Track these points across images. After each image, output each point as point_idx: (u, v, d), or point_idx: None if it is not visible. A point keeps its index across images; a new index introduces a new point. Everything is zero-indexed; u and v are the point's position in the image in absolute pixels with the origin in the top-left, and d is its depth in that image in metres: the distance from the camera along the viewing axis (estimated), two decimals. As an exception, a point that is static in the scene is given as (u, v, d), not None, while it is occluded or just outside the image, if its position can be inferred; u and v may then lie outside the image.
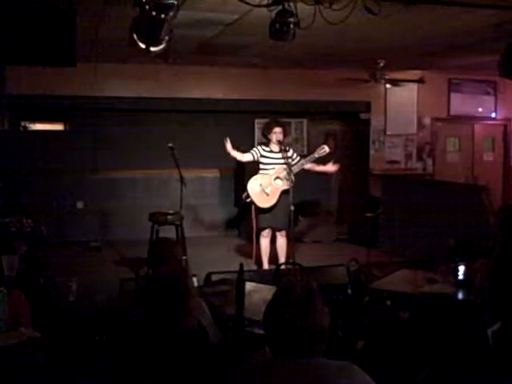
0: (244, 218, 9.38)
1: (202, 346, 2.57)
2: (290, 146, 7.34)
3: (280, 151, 7.00)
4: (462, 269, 4.40)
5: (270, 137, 7.04)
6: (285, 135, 7.14)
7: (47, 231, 6.66)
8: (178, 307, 2.54)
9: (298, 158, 7.11)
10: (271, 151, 7.07)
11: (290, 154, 7.00)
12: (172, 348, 2.45)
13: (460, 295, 4.24)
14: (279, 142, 6.97)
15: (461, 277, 4.39)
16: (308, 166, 7.03)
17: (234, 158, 7.28)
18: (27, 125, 9.54)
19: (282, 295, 2.22)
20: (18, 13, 4.51)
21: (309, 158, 7.06)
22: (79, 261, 7.94)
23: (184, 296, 2.58)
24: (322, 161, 7.19)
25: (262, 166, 7.09)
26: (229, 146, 7.03)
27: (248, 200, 7.06)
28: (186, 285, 2.67)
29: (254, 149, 7.19)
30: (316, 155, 6.99)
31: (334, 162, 7.16)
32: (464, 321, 3.55)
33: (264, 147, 7.14)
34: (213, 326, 2.99)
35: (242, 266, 4.08)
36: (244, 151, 7.16)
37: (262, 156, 7.07)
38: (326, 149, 6.96)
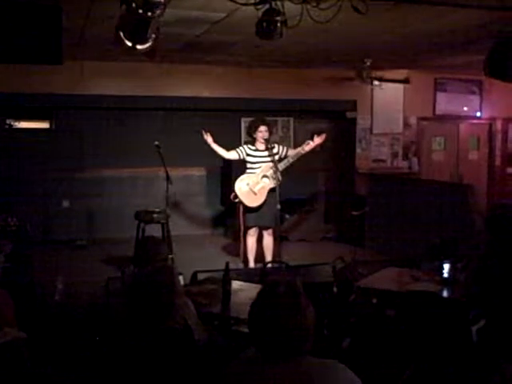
0: (230, 217, 9.39)
1: (188, 344, 2.57)
2: (276, 143, 7.35)
3: (266, 149, 7.02)
4: (447, 267, 4.43)
5: (255, 135, 7.04)
6: (270, 133, 7.15)
7: (33, 230, 6.62)
8: (163, 305, 2.54)
9: (285, 149, 7.12)
10: (257, 150, 7.08)
11: (275, 150, 7.01)
12: (157, 346, 2.45)
13: (445, 293, 4.26)
14: (265, 141, 6.99)
15: (446, 275, 4.42)
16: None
17: (221, 157, 7.28)
18: (12, 123, 9.47)
19: (266, 294, 2.22)
20: (2, 10, 4.48)
21: (295, 154, 7.07)
22: (65, 259, 7.89)
23: (169, 294, 2.57)
24: (307, 157, 7.20)
25: (248, 166, 7.09)
26: (209, 139, 7.02)
27: (236, 200, 7.06)
28: (172, 283, 2.66)
29: (240, 147, 7.19)
30: (302, 151, 7.02)
31: (318, 134, 7.12)
32: (449, 318, 3.57)
33: (250, 146, 7.14)
34: (198, 326, 2.99)
35: (227, 264, 4.09)
36: (229, 150, 7.16)
37: (248, 155, 7.08)
38: (311, 143, 7.02)
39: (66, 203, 9.51)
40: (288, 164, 7.01)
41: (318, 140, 7.04)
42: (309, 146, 6.99)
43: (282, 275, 4.20)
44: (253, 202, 7.01)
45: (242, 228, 7.25)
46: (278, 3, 4.47)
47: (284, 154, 7.05)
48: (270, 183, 6.98)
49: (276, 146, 7.12)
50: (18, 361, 2.99)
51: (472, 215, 7.07)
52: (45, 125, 9.73)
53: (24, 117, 9.54)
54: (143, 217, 7.43)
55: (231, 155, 7.13)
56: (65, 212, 9.46)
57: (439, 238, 5.32)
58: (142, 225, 7.39)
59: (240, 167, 7.33)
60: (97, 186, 9.60)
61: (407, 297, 3.95)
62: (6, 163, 8.72)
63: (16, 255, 5.88)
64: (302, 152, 7.00)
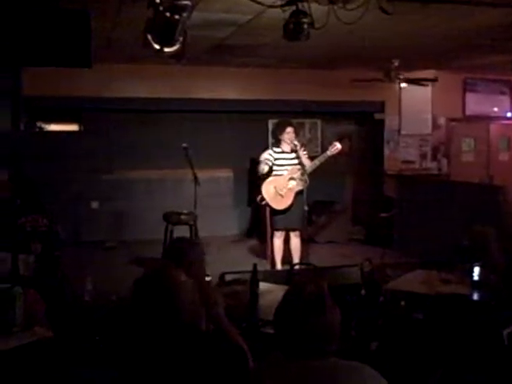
0: (258, 218, 9.39)
1: (213, 348, 2.55)
2: (304, 145, 7.30)
3: (292, 151, 6.99)
4: (477, 270, 4.37)
5: (282, 137, 7.01)
6: (296, 134, 7.13)
7: (63, 231, 6.69)
8: (167, 305, 2.48)
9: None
10: (283, 152, 7.04)
11: (301, 153, 6.96)
12: (169, 348, 2.42)
13: (475, 296, 4.21)
14: (292, 142, 6.95)
15: (476, 278, 4.36)
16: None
17: (248, 158, 7.26)
18: (43, 125, 9.61)
19: (291, 296, 2.22)
20: (33, 15, 4.55)
21: (322, 156, 7.00)
22: (94, 260, 7.97)
23: (175, 294, 2.50)
24: (335, 159, 7.15)
25: (275, 168, 7.05)
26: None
27: (263, 203, 7.05)
28: (178, 282, 2.57)
29: (266, 157, 7.06)
30: (329, 153, 6.93)
31: (344, 138, 7.03)
32: (479, 322, 3.53)
33: (275, 149, 7.10)
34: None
35: (255, 266, 4.08)
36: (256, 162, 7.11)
37: (275, 159, 7.03)
38: (338, 146, 6.92)
39: (94, 205, 9.62)
40: (315, 167, 6.94)
41: (337, 147, 6.97)
42: (335, 148, 6.92)
43: (308, 277, 4.18)
44: (280, 204, 6.99)
45: (269, 230, 7.24)
46: (305, 5, 4.46)
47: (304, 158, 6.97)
48: (297, 185, 6.95)
49: (302, 150, 7.05)
50: (45, 359, 3.03)
51: (503, 217, 6.97)
52: (74, 127, 9.85)
53: (54, 119, 9.67)
54: (171, 218, 7.47)
55: (265, 169, 7.05)
56: (94, 213, 9.56)
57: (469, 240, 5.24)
58: (170, 226, 7.43)
59: (267, 169, 7.31)
60: (125, 187, 9.68)
61: (436, 300, 3.91)
62: (36, 165, 8.83)
63: (46, 256, 5.95)
64: (329, 154, 6.94)
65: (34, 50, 4.63)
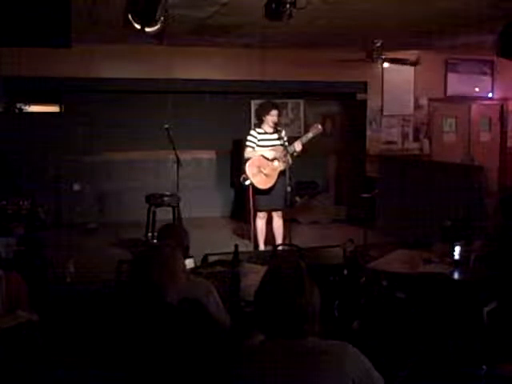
0: (240, 199, 9.40)
1: (196, 324, 2.58)
2: (285, 126, 7.29)
3: (274, 132, 6.98)
4: (458, 249, 4.41)
5: (265, 119, 7.00)
6: (279, 116, 7.13)
7: (44, 213, 6.66)
8: (156, 282, 2.54)
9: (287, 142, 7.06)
10: (265, 133, 7.04)
11: (283, 134, 6.97)
12: (158, 322, 2.46)
13: (456, 275, 4.25)
14: (274, 124, 6.95)
15: (457, 257, 4.41)
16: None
17: (230, 139, 7.25)
18: (22, 107, 9.49)
19: (269, 276, 2.24)
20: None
21: (304, 137, 7.03)
22: (76, 243, 7.94)
23: (159, 272, 2.58)
24: (317, 139, 7.15)
25: (257, 148, 7.04)
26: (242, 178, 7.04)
27: (247, 183, 7.04)
28: (165, 262, 2.65)
29: (250, 139, 7.05)
30: (310, 134, 6.96)
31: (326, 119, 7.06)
32: (460, 300, 3.57)
33: (257, 130, 7.09)
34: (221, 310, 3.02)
35: (237, 247, 4.10)
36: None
37: (259, 140, 7.03)
38: (320, 127, 6.96)
39: (76, 186, 9.55)
40: (296, 147, 6.93)
41: (316, 128, 6.98)
42: (317, 129, 6.94)
43: (287, 257, 4.21)
44: (263, 184, 6.99)
45: (252, 210, 7.24)
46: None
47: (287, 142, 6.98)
48: (280, 165, 6.95)
49: (283, 131, 7.06)
50: (31, 342, 3.02)
51: (483, 197, 7.03)
52: (55, 108, 9.75)
53: (34, 100, 9.56)
54: (154, 200, 7.44)
55: (250, 154, 7.03)
56: (75, 195, 9.50)
57: (450, 220, 5.29)
58: (152, 208, 7.40)
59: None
60: (107, 169, 9.63)
61: (418, 279, 3.95)
62: (17, 147, 8.74)
63: (28, 238, 5.92)
64: (311, 135, 6.95)
65: (12, 31, 4.56)
